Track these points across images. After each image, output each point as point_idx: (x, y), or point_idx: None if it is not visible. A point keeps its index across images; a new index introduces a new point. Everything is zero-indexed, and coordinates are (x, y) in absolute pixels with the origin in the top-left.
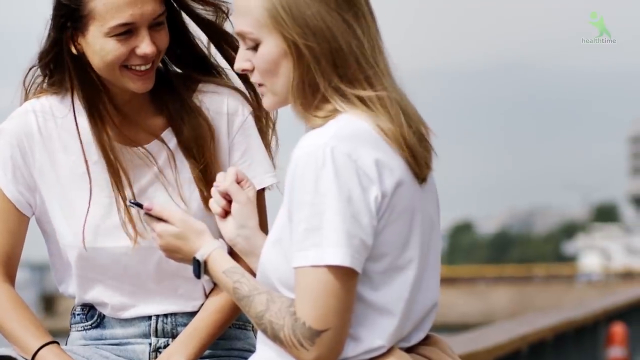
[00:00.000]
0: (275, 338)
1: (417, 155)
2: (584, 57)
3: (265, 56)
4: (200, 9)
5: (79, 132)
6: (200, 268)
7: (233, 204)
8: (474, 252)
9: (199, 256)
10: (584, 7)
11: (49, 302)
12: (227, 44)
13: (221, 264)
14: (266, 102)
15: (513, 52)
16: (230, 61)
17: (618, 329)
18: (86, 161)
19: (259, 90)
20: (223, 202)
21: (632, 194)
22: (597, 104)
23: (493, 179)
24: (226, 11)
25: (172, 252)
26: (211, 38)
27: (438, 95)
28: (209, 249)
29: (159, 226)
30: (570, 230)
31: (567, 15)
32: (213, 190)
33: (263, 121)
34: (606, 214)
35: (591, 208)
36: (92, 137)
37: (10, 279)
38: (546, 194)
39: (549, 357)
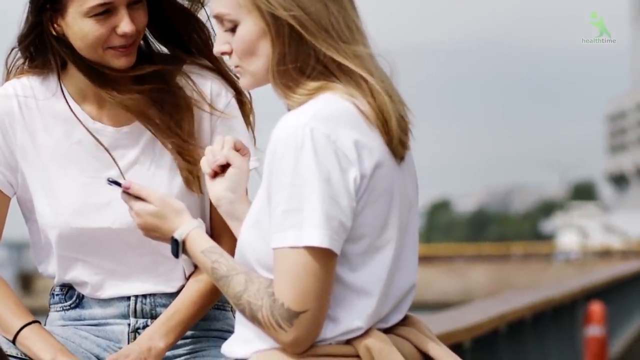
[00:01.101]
0: (253, 319)
1: (396, 135)
2: (562, 36)
3: (244, 36)
4: None
5: (72, 111)
6: (178, 247)
7: (230, 168)
8: (451, 230)
9: (177, 235)
10: None
11: (26, 281)
12: (197, 34)
13: (200, 243)
14: (243, 82)
15: (492, 31)
16: (199, 50)
17: (596, 308)
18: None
19: (235, 71)
20: (214, 164)
21: (609, 173)
22: (575, 83)
23: (471, 158)
24: (201, 1)
25: (150, 231)
26: (182, 25)
27: (417, 74)
28: (187, 228)
29: (137, 205)
30: (548, 208)
31: None
32: (207, 150)
33: (247, 105)
34: (584, 193)
35: (569, 186)
36: (75, 117)
37: None
38: (524, 173)
39: (527, 336)
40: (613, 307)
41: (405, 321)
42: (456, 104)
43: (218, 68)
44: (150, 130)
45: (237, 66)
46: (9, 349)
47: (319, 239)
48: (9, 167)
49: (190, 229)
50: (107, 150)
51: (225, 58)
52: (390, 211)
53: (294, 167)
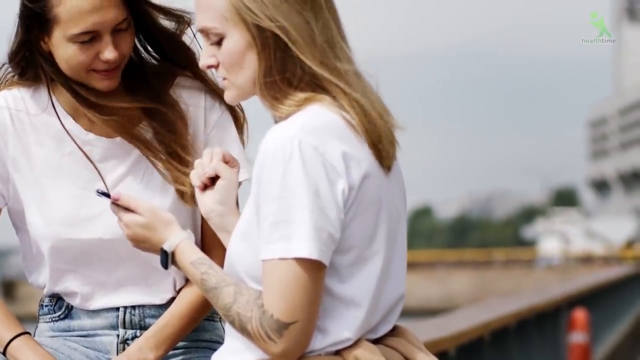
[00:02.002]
0: (243, 330)
1: (383, 147)
2: (544, 44)
3: (230, 49)
4: (162, 18)
5: (61, 124)
6: (167, 259)
7: (219, 181)
8: (433, 236)
9: (167, 247)
10: None
11: (8, 288)
12: (182, 57)
13: (189, 255)
14: (228, 95)
15: (474, 39)
16: (186, 68)
17: (580, 315)
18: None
19: (221, 84)
20: (204, 177)
21: (591, 178)
22: (557, 89)
23: (453, 164)
24: (188, 21)
25: (140, 242)
26: (168, 45)
27: (399, 81)
28: (176, 240)
29: (127, 216)
30: (529, 214)
31: (529, 2)
32: (196, 162)
33: (240, 118)
34: (565, 199)
35: (550, 192)
36: (66, 129)
37: None
38: (506, 179)
39: (511, 343)
40: (596, 313)
41: (393, 331)
42: (438, 111)
43: (207, 82)
44: (139, 149)
45: (224, 79)
46: None
47: (308, 251)
48: (0, 179)
49: (180, 240)
50: (94, 164)
51: (213, 71)
52: (379, 222)
53: (282, 179)
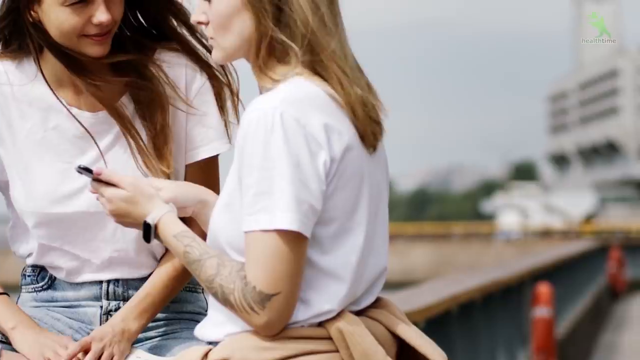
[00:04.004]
0: (225, 302)
1: (368, 126)
2: (504, 17)
3: (219, 11)
4: None
5: (54, 93)
6: (150, 232)
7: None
8: (392, 209)
9: (150, 220)
10: None
11: None
12: (176, 17)
13: (172, 227)
14: (215, 55)
15: (433, 12)
16: (175, 35)
17: (543, 289)
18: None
19: (209, 42)
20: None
21: (550, 153)
22: (518, 65)
23: (411, 137)
24: None
25: (122, 217)
26: (159, 9)
27: (358, 56)
28: (159, 213)
29: (109, 190)
30: (488, 188)
31: None
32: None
33: (221, 90)
34: (524, 173)
35: (510, 167)
36: (52, 102)
37: None
38: (465, 153)
39: (478, 317)
40: (559, 287)
41: (376, 303)
42: (397, 85)
43: (192, 51)
44: (118, 126)
45: (211, 37)
46: None
47: (289, 222)
48: None
49: (162, 213)
50: (89, 133)
51: (203, 28)
52: (360, 195)
53: (264, 150)
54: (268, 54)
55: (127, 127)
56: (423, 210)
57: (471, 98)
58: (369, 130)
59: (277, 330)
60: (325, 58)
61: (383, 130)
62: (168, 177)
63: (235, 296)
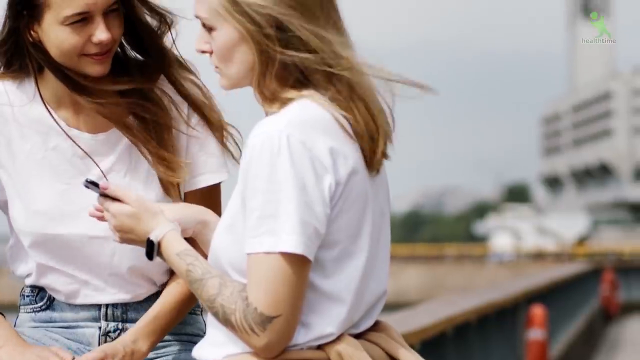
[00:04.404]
0: (226, 322)
1: (372, 148)
2: (498, 39)
3: (219, 42)
4: (146, 13)
5: (51, 115)
6: (153, 249)
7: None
8: None
9: (153, 237)
10: None
11: None
12: (160, 58)
13: (175, 245)
14: (222, 82)
15: (429, 33)
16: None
17: (537, 311)
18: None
19: (215, 71)
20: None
21: (543, 175)
22: (511, 86)
23: (405, 158)
24: (170, 23)
25: (125, 233)
26: (149, 46)
27: None
28: (163, 230)
29: (114, 206)
30: (481, 210)
31: None
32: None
33: (220, 123)
34: (517, 195)
35: (503, 188)
36: (51, 123)
37: None
38: (458, 174)
39: (473, 338)
40: (553, 310)
41: (375, 327)
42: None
43: (181, 90)
44: (128, 138)
45: (216, 67)
46: None
47: (294, 246)
48: None
49: (166, 231)
50: (87, 154)
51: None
52: (364, 218)
53: (269, 173)
54: (272, 78)
55: (138, 137)
56: (416, 231)
57: (465, 120)
58: (374, 154)
59: (277, 352)
60: (330, 83)
61: (387, 154)
62: (178, 186)
63: (236, 317)
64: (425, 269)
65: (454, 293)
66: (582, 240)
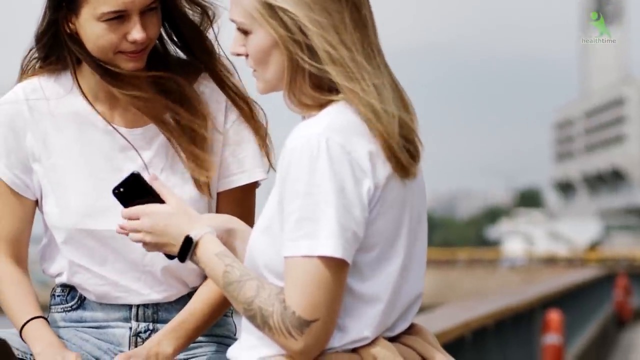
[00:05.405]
0: (263, 325)
1: (403, 160)
2: (510, 43)
3: (255, 46)
4: (187, 7)
5: (91, 104)
6: (190, 247)
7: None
8: None
9: (193, 234)
10: None
11: None
12: (203, 53)
13: (214, 246)
14: (258, 86)
15: (442, 37)
16: (198, 57)
17: (554, 316)
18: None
19: (253, 74)
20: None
21: (555, 180)
22: (524, 91)
23: None
24: (212, 17)
25: (157, 236)
26: (191, 41)
27: None
28: (202, 231)
29: (151, 206)
30: (493, 214)
31: (496, 3)
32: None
33: (260, 124)
34: (530, 199)
35: (515, 193)
36: (88, 117)
37: (16, 257)
38: (470, 178)
39: (490, 343)
40: (570, 315)
41: (410, 330)
42: None
43: (225, 84)
44: (163, 133)
45: (253, 70)
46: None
47: (333, 249)
48: (23, 170)
49: (205, 231)
50: (131, 145)
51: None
52: (402, 221)
53: (309, 176)
54: (304, 83)
55: (172, 133)
56: (428, 236)
57: (477, 124)
58: (404, 162)
59: (313, 356)
60: (359, 89)
61: (420, 152)
62: (208, 186)
63: (274, 319)
64: (437, 273)
65: (468, 298)
66: (594, 246)
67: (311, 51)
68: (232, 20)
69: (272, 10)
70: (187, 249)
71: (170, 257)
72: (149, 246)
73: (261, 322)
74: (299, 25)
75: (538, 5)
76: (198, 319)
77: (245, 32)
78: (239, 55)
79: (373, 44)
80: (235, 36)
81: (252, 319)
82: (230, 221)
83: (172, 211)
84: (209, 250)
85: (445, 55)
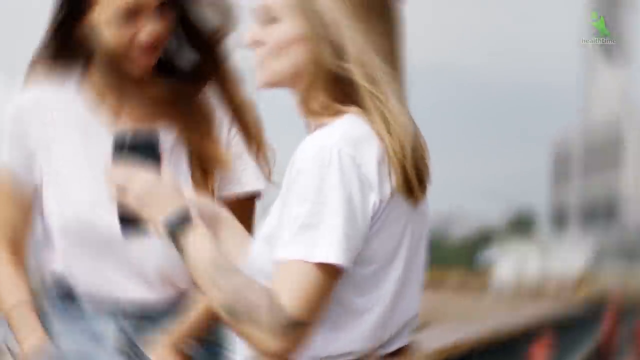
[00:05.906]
0: (247, 317)
1: (413, 183)
2: (509, 66)
3: (280, 34)
4: (205, 10)
5: (91, 106)
6: (178, 222)
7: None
8: None
9: (182, 210)
10: (519, 17)
11: None
12: (212, 57)
13: (203, 229)
14: (260, 77)
15: (440, 57)
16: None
17: (540, 348)
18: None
19: (257, 65)
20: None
21: (551, 207)
22: (521, 114)
23: None
24: (232, 22)
25: (148, 193)
26: (201, 49)
27: None
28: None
29: (135, 173)
30: (486, 238)
31: (496, 26)
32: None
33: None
34: (524, 225)
35: (509, 217)
36: (91, 121)
37: (14, 248)
38: (464, 200)
39: None
40: (556, 345)
41: (406, 348)
42: None
43: (231, 99)
44: (169, 140)
45: (260, 59)
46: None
47: (335, 256)
48: (26, 164)
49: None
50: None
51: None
52: (403, 238)
53: (318, 184)
54: (320, 89)
55: (178, 140)
56: None
57: (472, 144)
58: (414, 188)
59: (288, 357)
60: (379, 104)
61: (428, 177)
62: (213, 192)
63: (261, 313)
64: (427, 294)
65: (458, 321)
66: (585, 276)
67: (339, 50)
68: (262, 6)
69: (309, 2)
70: (175, 223)
71: (124, 221)
72: (127, 197)
73: (244, 314)
74: (335, 24)
75: (542, 30)
76: (196, 324)
77: (269, 20)
78: (255, 43)
79: (401, 57)
80: (252, 25)
81: (231, 309)
82: (222, 210)
83: (165, 181)
84: (203, 230)
85: (441, 78)
